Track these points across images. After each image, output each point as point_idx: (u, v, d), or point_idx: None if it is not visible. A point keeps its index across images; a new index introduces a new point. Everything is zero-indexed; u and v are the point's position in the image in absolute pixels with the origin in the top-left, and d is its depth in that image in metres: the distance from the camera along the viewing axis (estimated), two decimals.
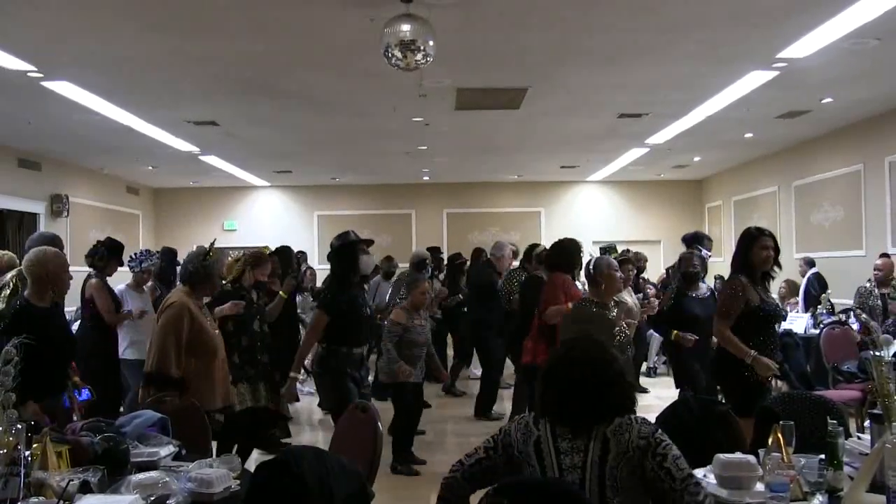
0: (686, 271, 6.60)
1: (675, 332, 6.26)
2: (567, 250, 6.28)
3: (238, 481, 3.00)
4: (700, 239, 7.69)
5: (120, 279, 7.20)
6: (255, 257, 6.48)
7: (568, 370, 2.60)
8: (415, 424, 6.66)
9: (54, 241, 5.58)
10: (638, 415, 2.58)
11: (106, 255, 6.68)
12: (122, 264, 6.99)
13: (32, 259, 4.32)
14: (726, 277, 5.04)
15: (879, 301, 7.96)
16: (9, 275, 5.28)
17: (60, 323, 4.63)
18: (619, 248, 8.86)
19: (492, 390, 8.43)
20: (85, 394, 5.09)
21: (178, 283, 5.15)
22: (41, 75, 6.99)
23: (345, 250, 5.63)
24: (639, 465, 2.46)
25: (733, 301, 4.64)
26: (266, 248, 7.19)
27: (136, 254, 7.21)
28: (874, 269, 8.19)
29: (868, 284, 8.15)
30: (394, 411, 6.49)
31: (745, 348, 4.57)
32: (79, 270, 5.98)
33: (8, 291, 5.03)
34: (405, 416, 6.43)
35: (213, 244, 4.95)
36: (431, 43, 5.12)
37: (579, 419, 2.55)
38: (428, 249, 10.55)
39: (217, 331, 4.88)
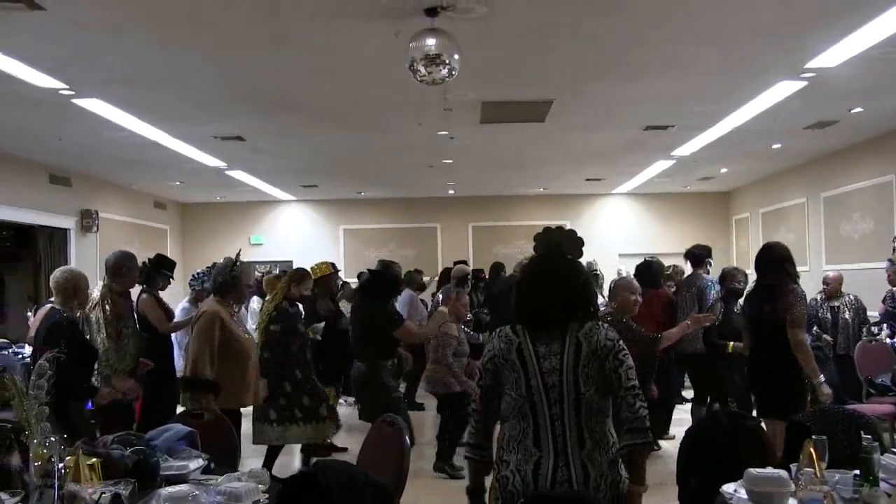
0: (732, 287, 6.62)
1: (732, 343, 6.32)
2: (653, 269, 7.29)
3: (266, 495, 3.01)
4: (709, 252, 7.71)
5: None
6: (298, 274, 6.68)
7: (541, 279, 2.99)
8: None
9: (133, 258, 6.01)
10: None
11: (148, 270, 6.77)
12: (171, 278, 7.12)
13: (67, 276, 4.92)
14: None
15: (829, 314, 8.38)
16: (95, 293, 5.58)
17: (84, 334, 5.18)
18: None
19: None
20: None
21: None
22: (72, 93, 7.10)
23: (391, 280, 6.10)
24: (599, 364, 2.80)
25: (805, 309, 4.78)
26: (327, 264, 7.51)
27: (198, 273, 7.47)
28: (823, 283, 8.59)
29: (818, 297, 8.51)
30: (451, 420, 6.69)
31: (817, 369, 4.74)
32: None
33: (108, 304, 5.57)
34: (462, 426, 6.51)
35: (238, 255, 5.25)
36: (457, 57, 5.13)
37: (553, 321, 2.87)
38: (455, 264, 10.64)
39: (248, 335, 5.19)
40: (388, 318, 5.89)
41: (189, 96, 7.57)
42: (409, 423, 5.67)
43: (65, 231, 11.58)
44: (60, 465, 2.69)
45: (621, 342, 2.85)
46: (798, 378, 4.79)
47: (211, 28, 5.63)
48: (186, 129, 9.02)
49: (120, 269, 5.80)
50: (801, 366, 4.72)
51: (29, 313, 9.01)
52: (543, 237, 3.12)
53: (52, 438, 2.69)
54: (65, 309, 4.91)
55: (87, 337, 5.35)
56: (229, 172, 12.10)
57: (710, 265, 7.60)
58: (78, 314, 5.17)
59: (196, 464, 3.35)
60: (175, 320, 6.97)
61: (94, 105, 7.58)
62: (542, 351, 2.84)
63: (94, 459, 2.95)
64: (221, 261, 5.39)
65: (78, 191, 11.83)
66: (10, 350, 7.89)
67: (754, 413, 7.58)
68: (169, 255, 7.77)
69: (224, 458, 3.78)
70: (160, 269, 6.93)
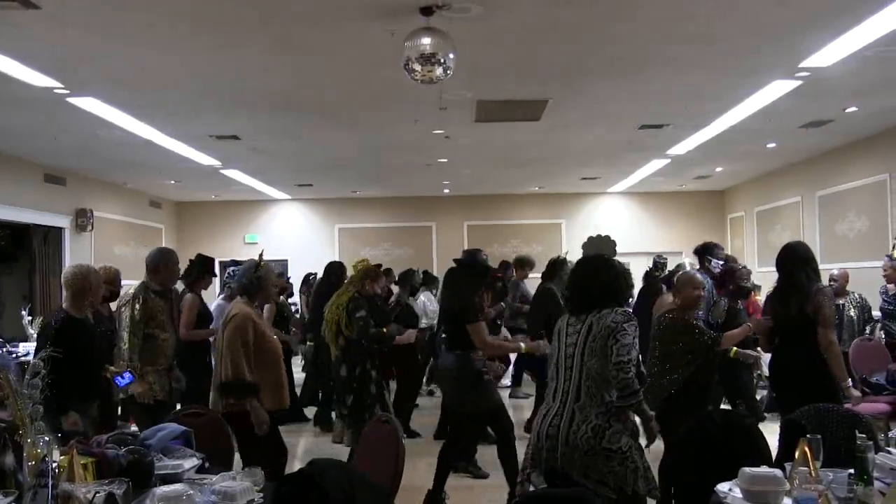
0: (738, 286, 6.52)
1: (735, 349, 5.97)
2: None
3: (261, 494, 3.01)
4: (710, 249, 7.64)
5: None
6: (374, 271, 6.70)
7: (573, 277, 3.88)
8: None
9: (172, 254, 5.93)
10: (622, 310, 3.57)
11: (197, 270, 6.73)
12: (215, 276, 7.10)
13: (77, 273, 4.80)
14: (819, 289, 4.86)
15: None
16: (132, 289, 5.55)
17: (95, 332, 5.07)
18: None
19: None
20: (127, 376, 5.19)
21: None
22: (67, 91, 7.09)
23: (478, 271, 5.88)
24: (603, 341, 3.45)
25: (834, 310, 4.78)
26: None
27: (232, 270, 7.40)
28: (830, 280, 8.34)
29: None
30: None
31: (846, 372, 4.70)
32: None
33: (139, 304, 5.47)
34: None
35: (261, 256, 5.25)
36: (452, 56, 5.13)
37: (580, 308, 3.67)
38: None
39: (276, 338, 5.18)
40: (465, 311, 5.66)
41: (184, 95, 7.56)
42: (504, 414, 5.63)
43: (60, 230, 11.57)
44: (54, 464, 2.68)
45: (625, 325, 3.45)
46: (830, 380, 4.68)
47: (206, 27, 5.62)
48: (181, 128, 9.01)
49: (158, 266, 5.71)
50: (830, 367, 4.64)
51: (23, 312, 8.98)
52: (587, 243, 3.48)
53: (46, 437, 2.68)
54: (63, 309, 4.83)
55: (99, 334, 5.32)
56: (224, 171, 12.09)
57: (710, 263, 7.43)
58: (88, 313, 5.11)
59: (190, 463, 3.34)
60: (214, 321, 6.98)
61: (89, 104, 7.57)
62: (570, 330, 3.64)
63: (89, 459, 2.95)
64: (246, 261, 5.37)
65: (73, 190, 11.81)
66: (5, 349, 7.86)
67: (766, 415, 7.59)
68: None
69: (219, 457, 3.77)
70: (208, 268, 6.88)
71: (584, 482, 3.37)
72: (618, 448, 3.38)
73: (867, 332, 8.11)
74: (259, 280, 5.02)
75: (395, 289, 9.76)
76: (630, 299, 5.78)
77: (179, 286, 6.40)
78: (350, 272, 7.04)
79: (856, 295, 8.35)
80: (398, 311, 8.63)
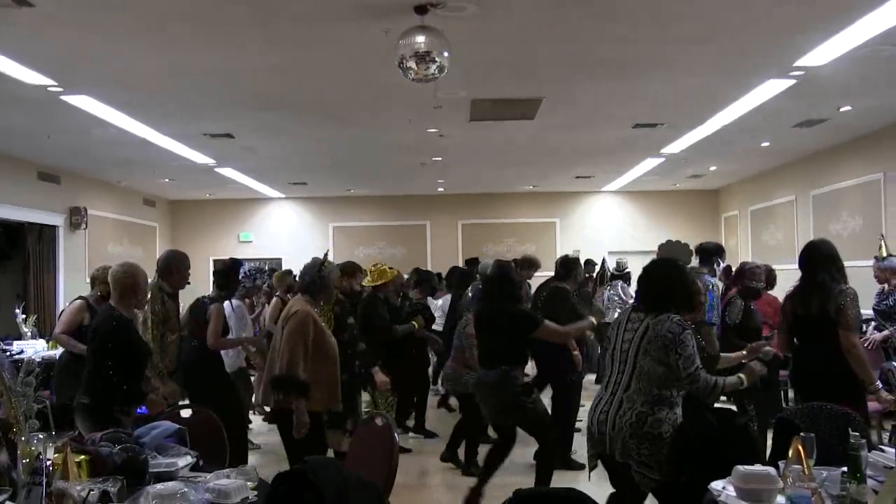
0: (750, 286, 6.39)
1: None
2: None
3: (255, 492, 3.01)
4: (721, 251, 7.57)
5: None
6: (350, 267, 6.87)
7: (644, 276, 4.01)
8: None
9: (185, 258, 5.84)
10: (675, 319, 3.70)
11: (229, 275, 6.60)
12: (243, 284, 7.15)
13: (127, 271, 4.52)
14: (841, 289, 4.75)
15: None
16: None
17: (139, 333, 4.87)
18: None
19: None
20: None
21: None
22: (61, 89, 7.07)
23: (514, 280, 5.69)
24: (661, 348, 3.63)
25: (857, 311, 4.64)
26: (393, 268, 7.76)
27: (248, 271, 7.42)
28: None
29: None
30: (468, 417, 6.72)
31: (872, 373, 4.59)
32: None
33: (158, 305, 5.45)
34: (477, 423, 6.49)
35: (326, 255, 5.29)
36: (446, 54, 5.12)
37: (641, 308, 3.84)
38: (469, 261, 10.64)
39: (333, 338, 5.16)
40: (526, 318, 5.43)
41: (178, 93, 7.54)
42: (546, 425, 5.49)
43: (54, 228, 11.55)
44: (48, 462, 2.68)
45: (681, 336, 3.63)
46: (853, 381, 4.56)
47: (201, 26, 5.61)
48: (176, 127, 8.99)
49: (170, 268, 5.62)
50: (855, 370, 4.54)
51: (17, 310, 8.96)
52: (664, 245, 3.64)
53: (40, 436, 2.68)
54: (114, 307, 4.49)
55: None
56: (219, 170, 12.07)
57: (719, 265, 7.33)
58: (134, 314, 4.94)
59: (185, 461, 3.34)
60: (246, 336, 7.09)
61: (83, 102, 7.55)
62: (629, 325, 3.82)
63: (83, 457, 2.94)
64: (310, 260, 5.34)
65: (67, 188, 11.79)
66: None
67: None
68: (157, 253, 7.71)
69: (213, 455, 3.77)
70: (238, 273, 6.81)
71: (629, 463, 3.63)
72: (658, 433, 3.59)
73: (863, 328, 8.08)
74: (322, 279, 5.06)
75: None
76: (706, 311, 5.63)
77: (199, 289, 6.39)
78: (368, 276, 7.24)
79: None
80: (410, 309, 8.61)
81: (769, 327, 7.03)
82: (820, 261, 4.83)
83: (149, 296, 5.44)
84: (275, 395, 4.68)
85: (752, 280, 6.38)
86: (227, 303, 7.35)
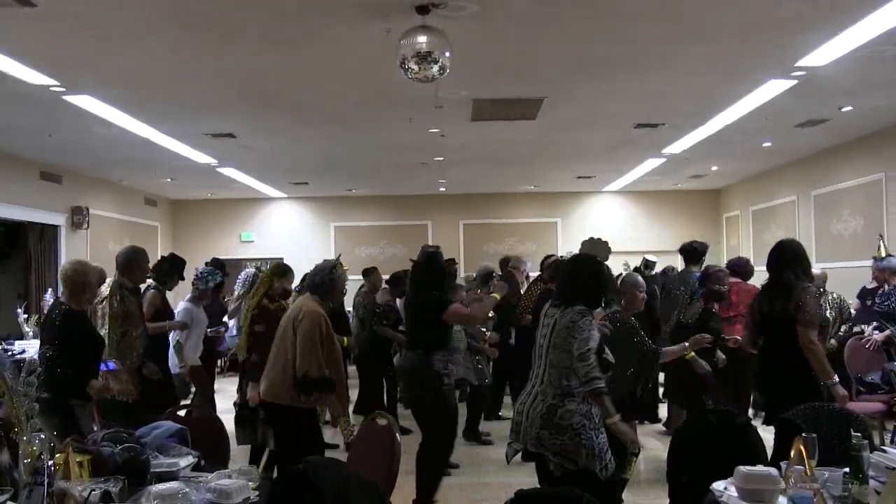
0: (714, 289, 6.48)
1: (693, 354, 5.58)
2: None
3: (257, 492, 3.01)
4: (704, 251, 7.64)
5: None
6: (280, 268, 6.56)
7: (563, 272, 4.32)
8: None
9: (144, 253, 6.01)
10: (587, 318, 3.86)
11: (167, 270, 6.80)
12: (182, 279, 7.15)
13: (77, 269, 4.72)
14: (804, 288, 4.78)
15: None
16: (104, 287, 5.54)
17: (94, 326, 5.08)
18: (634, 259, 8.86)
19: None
20: (111, 365, 5.19)
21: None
22: (63, 89, 7.07)
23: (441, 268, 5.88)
24: (565, 338, 3.83)
25: (817, 309, 4.72)
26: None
27: (202, 271, 7.45)
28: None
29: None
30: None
31: (830, 370, 4.61)
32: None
33: (117, 301, 5.56)
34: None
35: (338, 258, 5.35)
36: (448, 54, 5.12)
37: (555, 303, 4.04)
38: (447, 261, 10.55)
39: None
40: (436, 304, 5.59)
41: (180, 93, 7.54)
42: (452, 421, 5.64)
43: (55, 227, 11.54)
44: (50, 462, 2.68)
45: (579, 322, 3.82)
46: (814, 378, 4.63)
47: (202, 26, 5.61)
48: (177, 126, 8.99)
49: (130, 264, 5.74)
50: (813, 367, 4.60)
51: (19, 310, 8.96)
52: (586, 242, 3.73)
53: (42, 436, 2.68)
54: (63, 303, 4.74)
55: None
56: (220, 169, 12.07)
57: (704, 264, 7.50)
58: (87, 308, 5.04)
59: (186, 461, 3.34)
60: (176, 320, 7.00)
61: (85, 102, 7.55)
62: (545, 321, 4.02)
63: (84, 457, 2.94)
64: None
65: (68, 187, 11.79)
66: (0, 347, 7.84)
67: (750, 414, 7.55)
68: (159, 253, 7.78)
69: (214, 455, 3.77)
70: (177, 268, 6.91)
71: (545, 454, 3.80)
72: (568, 424, 3.75)
73: (843, 331, 8.05)
74: (332, 281, 5.06)
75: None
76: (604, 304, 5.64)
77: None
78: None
79: (833, 295, 8.32)
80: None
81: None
82: (787, 261, 4.88)
83: (107, 292, 5.56)
84: (306, 397, 4.67)
85: (716, 284, 6.52)
86: (184, 305, 7.40)
